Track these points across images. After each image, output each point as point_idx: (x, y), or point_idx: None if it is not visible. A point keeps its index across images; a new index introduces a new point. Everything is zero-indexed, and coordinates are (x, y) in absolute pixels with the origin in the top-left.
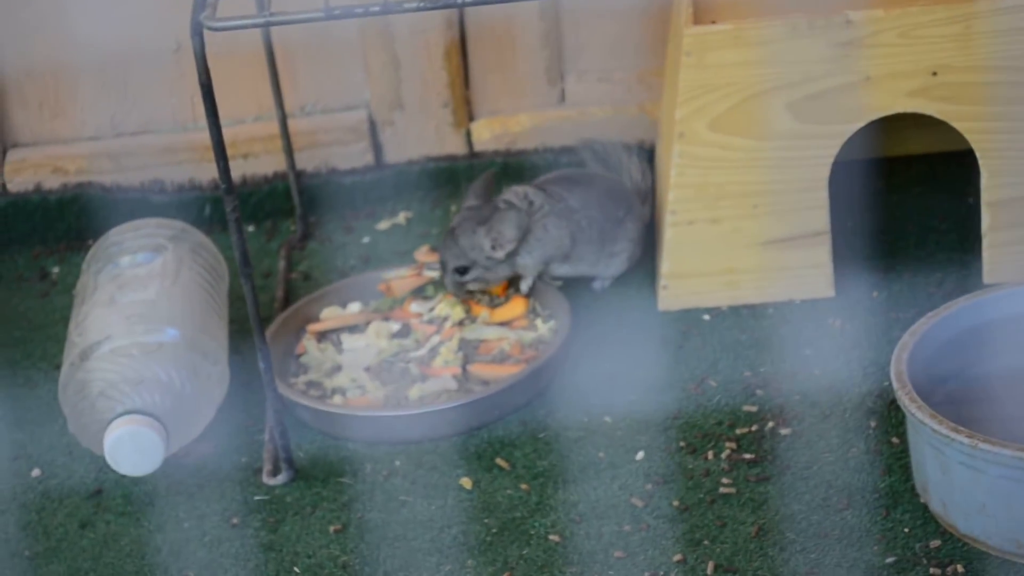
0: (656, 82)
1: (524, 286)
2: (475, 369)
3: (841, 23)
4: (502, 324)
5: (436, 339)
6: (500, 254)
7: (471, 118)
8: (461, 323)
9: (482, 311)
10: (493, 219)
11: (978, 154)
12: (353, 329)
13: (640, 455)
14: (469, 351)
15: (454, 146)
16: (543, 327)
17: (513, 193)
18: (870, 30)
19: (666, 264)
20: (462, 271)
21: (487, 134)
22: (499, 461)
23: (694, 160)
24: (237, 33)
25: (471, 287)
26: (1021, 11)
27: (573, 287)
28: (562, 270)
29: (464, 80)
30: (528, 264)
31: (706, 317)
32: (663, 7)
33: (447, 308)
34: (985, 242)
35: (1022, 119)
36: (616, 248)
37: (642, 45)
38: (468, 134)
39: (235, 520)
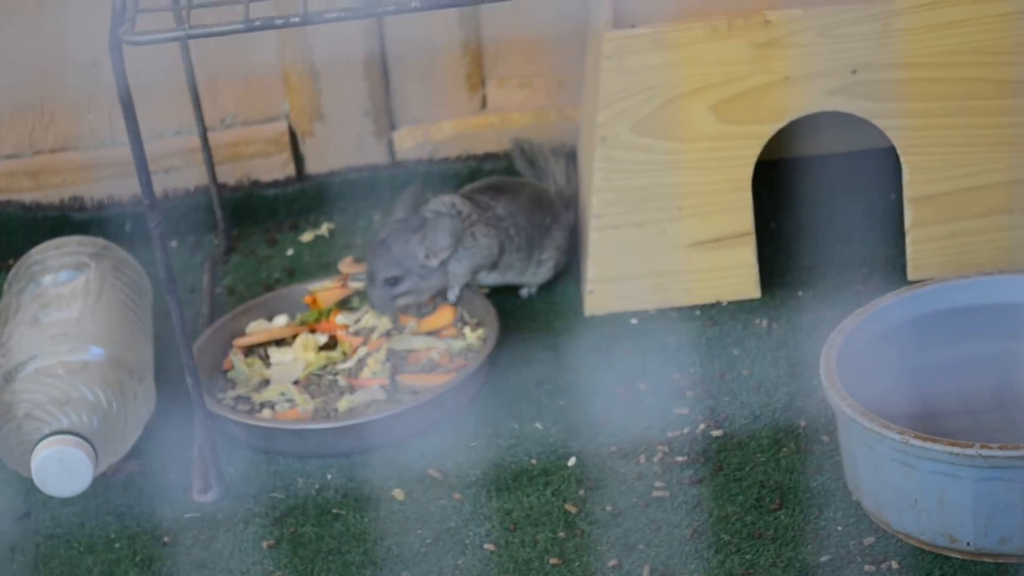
0: (577, 86)
1: (451, 295)
2: (404, 379)
3: (760, 23)
4: (430, 334)
5: (364, 350)
6: (434, 262)
7: (392, 127)
8: (388, 334)
9: (410, 321)
10: (427, 227)
11: (899, 151)
12: (280, 343)
13: (572, 461)
14: (397, 361)
15: (376, 155)
16: (471, 335)
17: (440, 202)
18: (789, 30)
19: (592, 269)
20: (394, 281)
21: (409, 142)
22: (431, 471)
23: (617, 164)
24: (155, 47)
25: (401, 301)
26: (938, 7)
27: (500, 294)
28: (490, 279)
29: (385, 89)
30: (457, 273)
31: (634, 321)
32: (582, 11)
33: (374, 319)
34: (908, 238)
35: (942, 115)
36: (543, 256)
37: (562, 49)
38: (390, 143)
39: (166, 539)
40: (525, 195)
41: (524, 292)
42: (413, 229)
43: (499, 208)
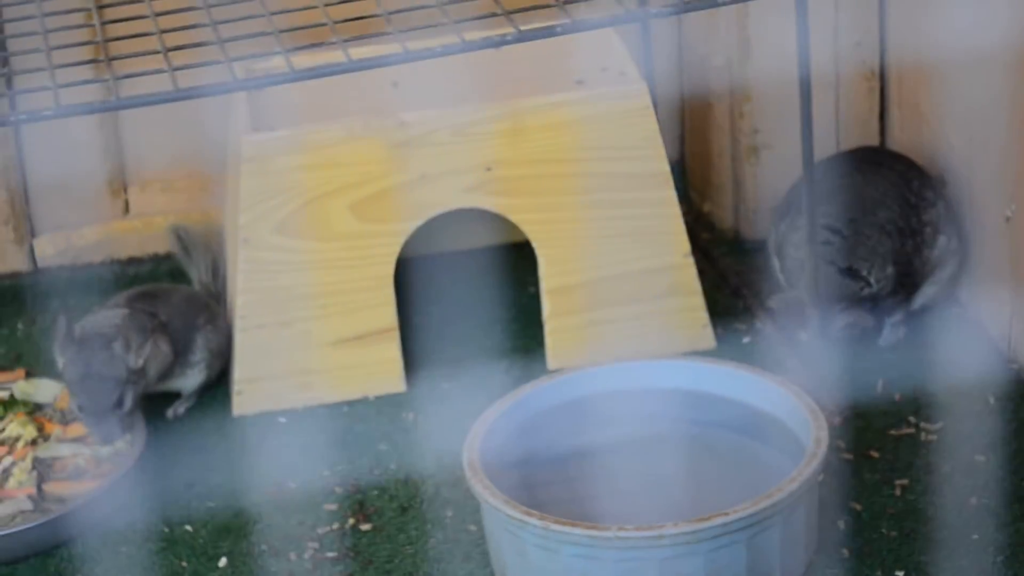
0: (220, 188)
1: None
2: (51, 488)
3: (395, 124)
4: (76, 440)
5: (9, 460)
6: (140, 362)
7: (33, 234)
8: (34, 442)
9: (55, 428)
10: (119, 334)
11: (534, 245)
12: None
13: (223, 562)
14: (44, 470)
15: (17, 263)
16: (118, 440)
17: (106, 316)
18: (424, 130)
19: (239, 369)
20: (120, 403)
21: (51, 249)
22: None
23: (260, 265)
24: None
25: (128, 420)
26: (563, 106)
27: (149, 398)
28: (153, 386)
29: (24, 195)
30: (151, 375)
31: (282, 420)
32: (221, 114)
33: (19, 427)
34: (547, 329)
35: (572, 208)
36: (195, 358)
37: (203, 153)
38: (31, 250)
39: None
40: (177, 298)
41: (170, 412)
42: (104, 346)
43: (159, 314)
